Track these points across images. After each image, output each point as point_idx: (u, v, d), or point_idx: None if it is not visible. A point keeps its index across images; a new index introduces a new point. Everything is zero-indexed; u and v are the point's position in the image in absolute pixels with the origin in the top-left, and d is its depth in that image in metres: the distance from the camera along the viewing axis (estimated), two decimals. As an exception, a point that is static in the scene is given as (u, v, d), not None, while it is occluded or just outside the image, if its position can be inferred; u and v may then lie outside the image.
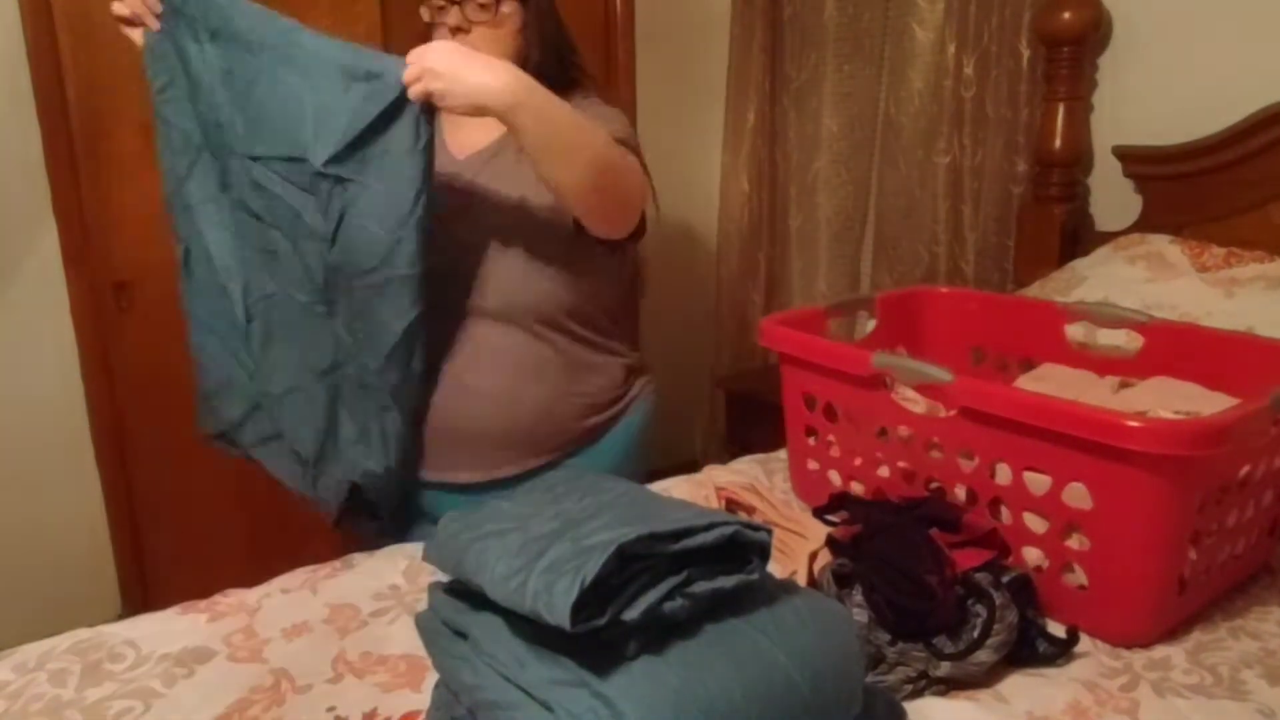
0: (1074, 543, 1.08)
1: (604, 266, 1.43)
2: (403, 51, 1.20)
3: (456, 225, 1.36)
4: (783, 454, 1.53)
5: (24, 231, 1.94)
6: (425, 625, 0.87)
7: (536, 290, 1.38)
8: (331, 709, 0.96)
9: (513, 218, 1.37)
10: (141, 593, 2.08)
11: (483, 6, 1.38)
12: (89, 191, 1.96)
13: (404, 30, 2.27)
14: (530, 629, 0.76)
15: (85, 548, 2.09)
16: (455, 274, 1.36)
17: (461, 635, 0.81)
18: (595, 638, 0.72)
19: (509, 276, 1.37)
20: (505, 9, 1.39)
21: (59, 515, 2.06)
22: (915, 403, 1.23)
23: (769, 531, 0.79)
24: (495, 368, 1.38)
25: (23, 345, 1.97)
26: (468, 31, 1.38)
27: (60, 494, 2.06)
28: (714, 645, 0.75)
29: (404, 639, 1.05)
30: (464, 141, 1.44)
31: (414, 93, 1.18)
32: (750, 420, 2.49)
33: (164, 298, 2.06)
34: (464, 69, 1.16)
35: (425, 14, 1.40)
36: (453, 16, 1.37)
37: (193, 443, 2.16)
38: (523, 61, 1.37)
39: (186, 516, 2.12)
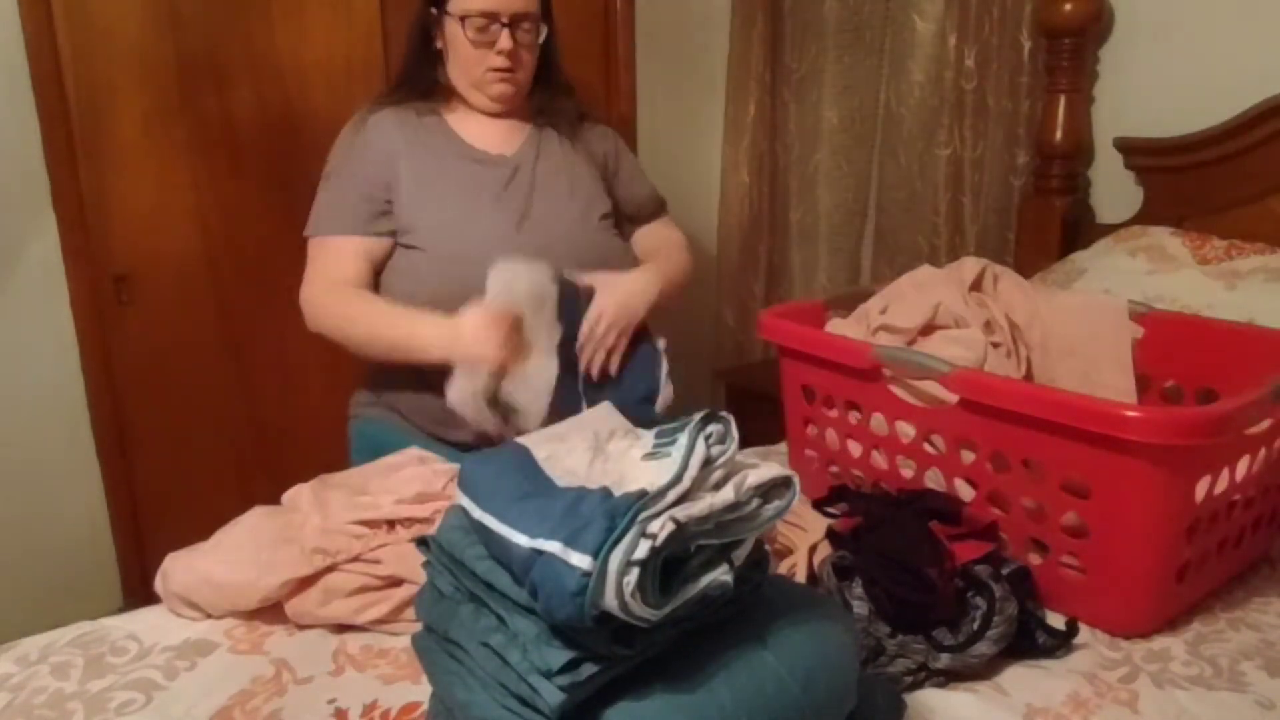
0: (1073, 533, 1.08)
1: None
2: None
3: (530, 213, 1.48)
4: (783, 447, 1.53)
5: (23, 225, 1.94)
6: (419, 642, 0.87)
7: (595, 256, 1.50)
8: (332, 701, 0.96)
9: (574, 200, 1.53)
10: (143, 586, 2.09)
11: (528, 30, 1.47)
12: (88, 184, 1.96)
13: (403, 30, 2.28)
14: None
15: (86, 541, 2.09)
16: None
17: (454, 643, 0.81)
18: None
19: (581, 257, 1.48)
20: (541, 34, 1.50)
21: (60, 508, 2.06)
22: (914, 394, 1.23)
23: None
24: None
25: (23, 339, 1.97)
26: (515, 55, 1.46)
27: (61, 487, 2.06)
28: (701, 648, 0.75)
29: (404, 632, 1.05)
30: (497, 139, 1.54)
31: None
32: (751, 413, 2.49)
33: (164, 290, 2.06)
34: (636, 305, 1.47)
35: (466, 34, 1.45)
36: (505, 40, 1.44)
37: (193, 434, 2.17)
38: (546, 77, 1.57)
39: (187, 509, 2.12)
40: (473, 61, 1.48)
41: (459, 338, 1.35)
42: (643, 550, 0.67)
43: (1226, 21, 1.88)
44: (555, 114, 1.59)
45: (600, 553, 0.67)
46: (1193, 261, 1.73)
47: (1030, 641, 1.02)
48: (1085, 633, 1.06)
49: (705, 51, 2.72)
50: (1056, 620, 1.05)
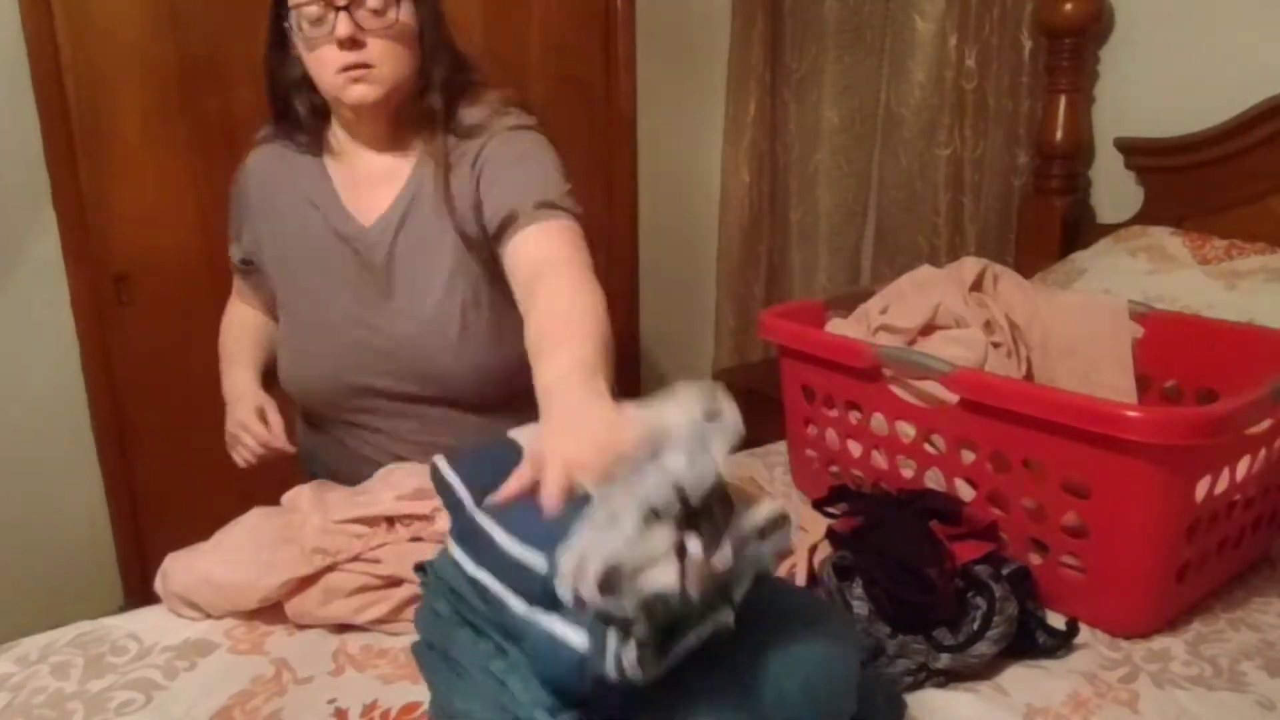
0: (1073, 533, 1.08)
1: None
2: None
3: (388, 300, 1.26)
4: (782, 447, 1.53)
5: (24, 224, 1.94)
6: (418, 648, 0.87)
7: (471, 361, 1.26)
8: (332, 700, 0.96)
9: (431, 287, 1.24)
10: (143, 585, 2.09)
11: (376, 11, 1.15)
12: (89, 184, 1.96)
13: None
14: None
15: (86, 540, 2.09)
16: (394, 353, 1.26)
17: (454, 660, 0.81)
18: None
19: (445, 348, 1.25)
20: (402, 14, 1.17)
21: (60, 508, 2.07)
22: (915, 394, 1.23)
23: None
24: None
25: (23, 338, 1.97)
26: (363, 45, 1.15)
27: (61, 487, 2.06)
28: (699, 656, 0.74)
29: (404, 632, 1.05)
30: (370, 190, 1.27)
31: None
32: (751, 413, 2.49)
33: (164, 290, 2.06)
34: (587, 429, 0.81)
35: (301, 27, 1.17)
36: (343, 25, 1.13)
37: (193, 434, 2.18)
38: (425, 78, 1.23)
39: (188, 508, 2.12)
40: (322, 66, 1.18)
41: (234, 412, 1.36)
42: (641, 630, 0.66)
43: (1226, 22, 1.88)
44: (426, 125, 1.25)
45: (596, 630, 0.66)
46: (1193, 261, 1.72)
47: (1030, 641, 1.02)
48: (1085, 633, 1.06)
49: (705, 51, 2.72)
50: (1056, 620, 1.05)
